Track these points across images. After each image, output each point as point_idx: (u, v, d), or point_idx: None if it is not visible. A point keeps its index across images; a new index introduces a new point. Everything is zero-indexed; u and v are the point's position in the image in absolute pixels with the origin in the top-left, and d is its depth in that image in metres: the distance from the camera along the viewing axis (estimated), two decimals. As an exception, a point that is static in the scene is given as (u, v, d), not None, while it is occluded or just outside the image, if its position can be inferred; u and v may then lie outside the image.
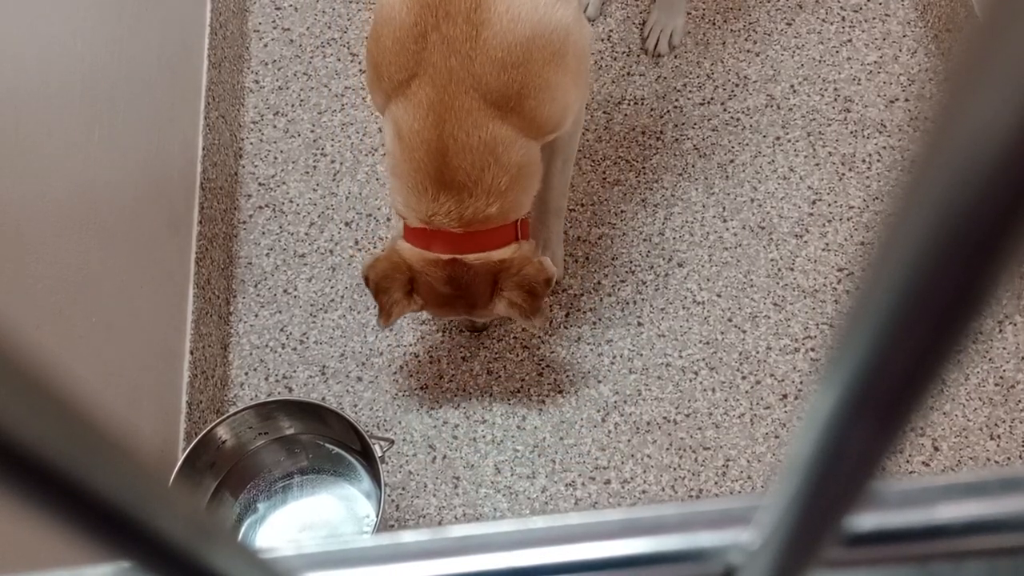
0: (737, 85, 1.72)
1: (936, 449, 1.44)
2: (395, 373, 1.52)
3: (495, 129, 1.08)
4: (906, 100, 1.70)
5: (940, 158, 0.12)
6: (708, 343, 1.52)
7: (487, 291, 1.20)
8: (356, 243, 1.61)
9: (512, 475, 1.44)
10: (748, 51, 1.75)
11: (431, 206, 1.13)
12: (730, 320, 1.53)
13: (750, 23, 1.78)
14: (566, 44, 1.09)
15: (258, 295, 1.59)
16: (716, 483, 1.43)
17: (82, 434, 0.15)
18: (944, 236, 0.12)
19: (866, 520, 0.24)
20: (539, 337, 1.53)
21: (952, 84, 0.12)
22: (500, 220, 1.16)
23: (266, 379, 1.52)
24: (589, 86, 1.25)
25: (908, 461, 1.44)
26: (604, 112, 1.70)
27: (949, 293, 0.13)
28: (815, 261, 1.57)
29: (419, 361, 1.52)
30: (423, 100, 1.07)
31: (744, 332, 1.52)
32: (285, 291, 1.59)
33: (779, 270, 1.57)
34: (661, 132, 1.69)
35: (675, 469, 1.44)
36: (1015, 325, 1.51)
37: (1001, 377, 1.48)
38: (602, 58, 1.75)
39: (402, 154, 1.12)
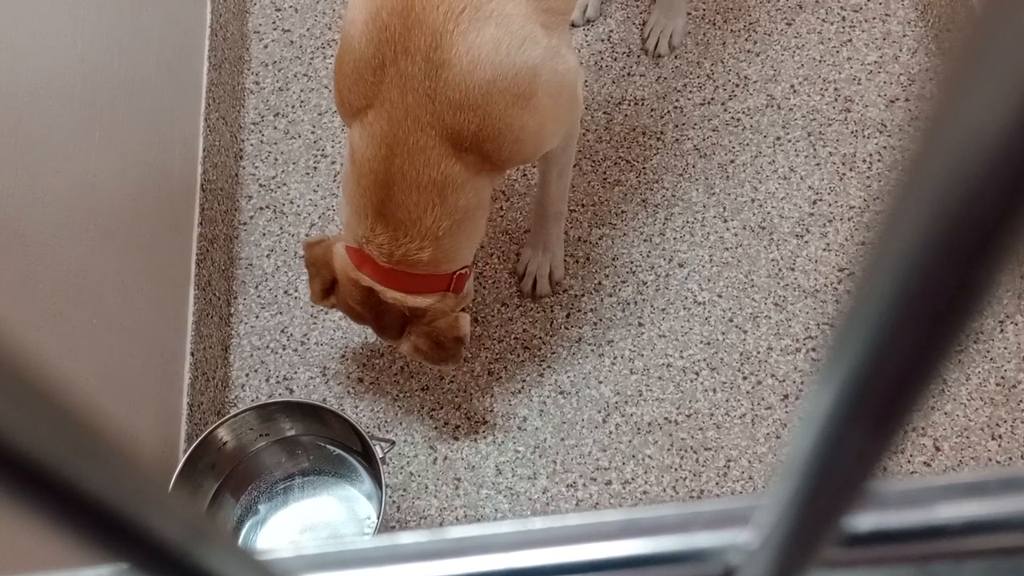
0: (737, 85, 1.72)
1: (937, 449, 1.44)
2: (396, 374, 1.52)
3: (447, 168, 1.06)
4: (907, 100, 1.70)
5: (935, 155, 0.12)
6: (709, 343, 1.52)
7: (396, 326, 1.20)
8: (357, 244, 1.61)
9: (513, 476, 1.44)
10: (748, 51, 1.75)
11: (366, 234, 1.12)
12: (731, 320, 1.53)
13: (750, 23, 1.78)
14: (534, 85, 1.06)
15: (259, 296, 1.59)
16: (717, 484, 1.43)
17: (78, 436, 0.15)
18: (940, 234, 0.12)
19: (866, 520, 0.24)
20: (540, 338, 1.53)
21: (948, 80, 0.11)
22: (430, 268, 1.14)
23: (267, 380, 1.52)
24: (576, 109, 1.22)
25: (909, 461, 1.44)
26: (604, 113, 1.70)
27: (945, 292, 0.13)
28: (816, 261, 1.57)
29: (420, 362, 1.52)
30: (377, 131, 1.06)
31: (745, 332, 1.52)
32: (286, 292, 1.59)
33: (780, 270, 1.56)
34: (661, 132, 1.69)
35: (676, 470, 1.44)
36: (1016, 324, 1.51)
37: (1002, 377, 1.47)
38: (602, 59, 1.75)
39: (351, 176, 1.11)
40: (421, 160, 1.05)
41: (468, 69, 1.02)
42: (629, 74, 1.74)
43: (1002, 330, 1.51)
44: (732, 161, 1.65)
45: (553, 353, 1.52)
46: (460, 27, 1.01)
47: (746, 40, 1.76)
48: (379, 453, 1.24)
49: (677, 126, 1.69)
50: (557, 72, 1.10)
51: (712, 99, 1.71)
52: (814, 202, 1.62)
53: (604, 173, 1.65)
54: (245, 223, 1.64)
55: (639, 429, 1.46)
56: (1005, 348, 1.50)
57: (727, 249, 1.58)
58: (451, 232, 1.11)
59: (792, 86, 1.71)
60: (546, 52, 1.07)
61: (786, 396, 1.48)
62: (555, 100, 1.11)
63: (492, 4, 1.02)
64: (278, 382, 1.52)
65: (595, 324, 1.54)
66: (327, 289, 1.22)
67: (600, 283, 1.57)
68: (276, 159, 1.69)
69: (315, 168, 1.68)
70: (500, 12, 1.02)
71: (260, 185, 1.67)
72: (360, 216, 1.12)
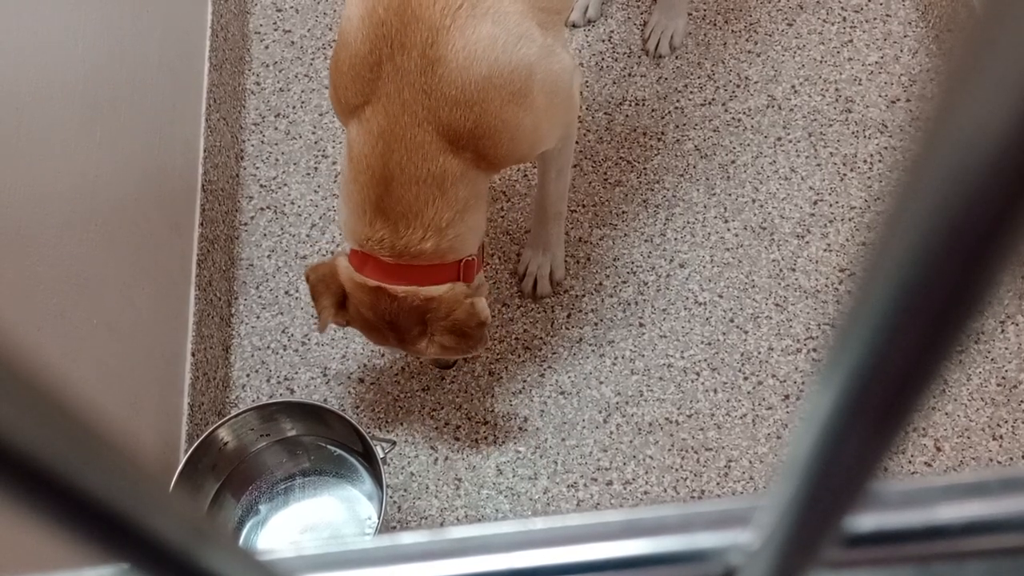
0: (738, 86, 1.72)
1: (938, 449, 1.43)
2: (397, 374, 1.52)
3: (445, 162, 1.06)
4: (907, 100, 1.70)
5: (936, 156, 0.12)
6: (710, 344, 1.52)
7: (415, 327, 1.16)
8: (357, 245, 1.61)
9: (514, 476, 1.44)
10: (749, 52, 1.75)
11: (366, 231, 1.11)
12: (732, 321, 1.53)
13: (751, 24, 1.78)
14: (529, 83, 1.06)
15: (260, 297, 1.59)
16: (718, 484, 1.43)
17: (79, 437, 0.15)
18: (941, 234, 0.12)
19: (867, 520, 0.24)
20: (541, 338, 1.53)
21: (949, 82, 0.11)
22: (436, 258, 1.12)
23: (268, 381, 1.52)
24: (573, 109, 1.22)
25: (910, 461, 1.44)
26: (605, 113, 1.70)
27: (946, 293, 0.13)
28: (817, 262, 1.57)
29: (421, 362, 1.52)
30: (374, 127, 1.06)
31: (746, 333, 1.52)
32: (287, 293, 1.59)
33: (781, 271, 1.56)
34: (662, 133, 1.69)
35: (677, 470, 1.44)
36: (1017, 325, 1.51)
37: (1003, 377, 1.47)
38: (603, 59, 1.75)
39: (349, 175, 1.10)
40: (419, 155, 1.05)
41: (464, 65, 1.01)
42: (630, 75, 1.74)
43: (1003, 330, 1.51)
44: (733, 162, 1.65)
45: (554, 353, 1.52)
46: (457, 23, 1.01)
47: (747, 41, 1.76)
48: (380, 453, 1.24)
49: (678, 127, 1.69)
50: (552, 71, 1.10)
51: (713, 100, 1.71)
52: (815, 202, 1.62)
53: (605, 173, 1.65)
54: (246, 224, 1.64)
55: (640, 429, 1.46)
56: (1006, 348, 1.50)
57: (728, 249, 1.58)
58: (454, 223, 1.11)
59: (793, 87, 1.71)
60: (542, 50, 1.07)
61: (787, 396, 1.48)
62: (550, 99, 1.11)
63: (489, 1, 1.02)
64: (279, 382, 1.52)
65: (596, 324, 1.54)
66: (339, 304, 1.19)
67: (601, 283, 1.57)
68: (277, 160, 1.70)
69: (316, 169, 1.68)
70: (497, 9, 1.02)
71: (261, 186, 1.67)
72: (359, 214, 1.11)
